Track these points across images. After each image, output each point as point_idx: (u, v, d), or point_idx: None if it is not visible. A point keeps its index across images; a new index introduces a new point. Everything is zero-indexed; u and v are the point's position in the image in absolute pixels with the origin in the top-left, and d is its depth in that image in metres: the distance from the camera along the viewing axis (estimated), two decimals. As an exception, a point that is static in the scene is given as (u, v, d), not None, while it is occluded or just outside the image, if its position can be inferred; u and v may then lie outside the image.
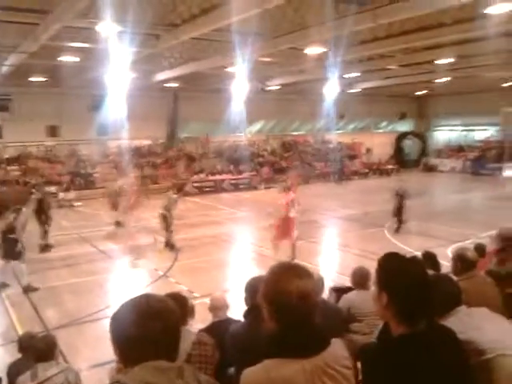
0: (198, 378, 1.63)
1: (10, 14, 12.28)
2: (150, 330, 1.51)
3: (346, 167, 28.64)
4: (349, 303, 4.84)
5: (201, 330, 3.97)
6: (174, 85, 24.41)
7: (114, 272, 10.49)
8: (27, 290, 8.85)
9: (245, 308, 3.51)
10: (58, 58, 16.70)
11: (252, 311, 3.35)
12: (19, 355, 4.65)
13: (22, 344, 4.52)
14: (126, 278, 9.93)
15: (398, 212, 13.48)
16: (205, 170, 25.29)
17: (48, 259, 11.36)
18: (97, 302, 8.32)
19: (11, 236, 8.94)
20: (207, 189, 23.57)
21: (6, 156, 22.83)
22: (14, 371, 4.14)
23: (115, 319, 1.58)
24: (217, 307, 4.52)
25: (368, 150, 33.63)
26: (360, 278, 4.99)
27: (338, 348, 1.89)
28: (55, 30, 12.51)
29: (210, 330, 4.04)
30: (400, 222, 13.44)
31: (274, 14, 13.32)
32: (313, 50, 15.73)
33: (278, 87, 26.51)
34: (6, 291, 8.95)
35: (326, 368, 1.78)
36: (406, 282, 1.89)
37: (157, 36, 14.65)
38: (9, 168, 21.98)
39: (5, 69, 18.69)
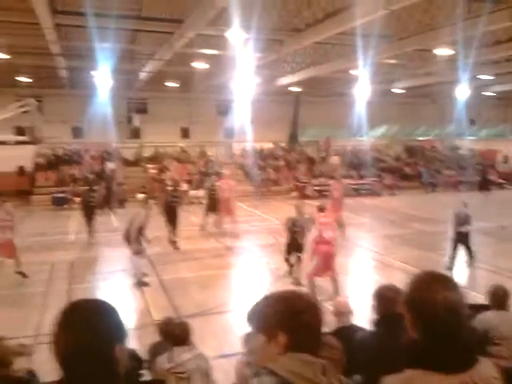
0: (340, 378, 1.64)
1: (148, 23, 13.53)
2: (299, 323, 1.57)
3: (486, 175, 26.04)
4: (486, 324, 4.44)
5: (326, 334, 3.98)
6: (296, 89, 24.73)
7: (237, 268, 10.93)
8: (139, 284, 9.31)
9: (367, 315, 3.44)
10: (190, 65, 17.93)
11: (382, 320, 3.28)
12: (155, 338, 5.07)
13: (161, 328, 4.89)
14: (249, 275, 10.26)
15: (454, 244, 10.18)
16: (325, 174, 25.22)
17: (180, 252, 12.22)
18: (222, 296, 8.74)
19: None
20: (327, 193, 23.41)
21: (146, 155, 25.17)
22: (153, 352, 4.50)
23: (265, 310, 1.64)
24: (341, 312, 4.49)
25: (505, 159, 30.73)
26: (499, 298, 4.58)
27: (487, 367, 1.77)
28: (188, 38, 13.45)
29: (335, 334, 4.03)
30: (469, 254, 10.23)
31: (400, 15, 12.91)
32: (442, 51, 14.90)
33: (403, 90, 25.50)
34: (145, 278, 9.71)
35: None
36: None
37: (280, 41, 15.01)
38: (148, 166, 24.20)
39: (143, 75, 20.58)
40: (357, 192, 23.79)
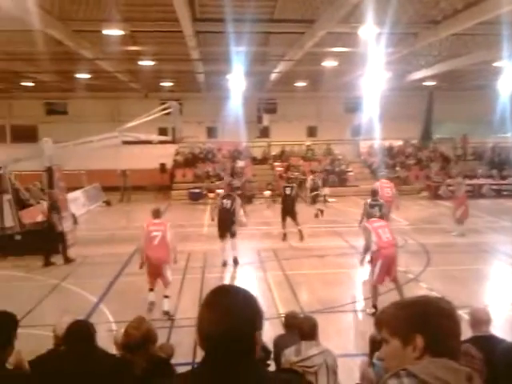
0: None
1: (280, 25, 13.81)
2: (436, 326, 1.51)
3: None
4: None
5: (463, 342, 3.73)
6: (430, 83, 23.42)
7: (361, 268, 10.70)
8: (235, 261, 10.67)
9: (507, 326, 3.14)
10: (319, 64, 17.92)
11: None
12: (280, 330, 5.20)
13: (287, 321, 5.01)
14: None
15: None
16: (461, 174, 23.47)
17: (303, 248, 12.37)
18: (347, 295, 8.69)
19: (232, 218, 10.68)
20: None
21: (273, 153, 25.96)
22: (280, 344, 4.61)
23: (398, 314, 1.58)
24: (481, 321, 4.17)
25: None
26: None
27: None
28: (319, 37, 13.45)
29: (473, 343, 3.76)
30: None
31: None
32: None
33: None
34: (270, 272, 10.15)
35: None
36: None
37: (415, 34, 14.31)
38: (275, 164, 24.86)
39: (273, 76, 21.11)
40: (497, 193, 21.95)
